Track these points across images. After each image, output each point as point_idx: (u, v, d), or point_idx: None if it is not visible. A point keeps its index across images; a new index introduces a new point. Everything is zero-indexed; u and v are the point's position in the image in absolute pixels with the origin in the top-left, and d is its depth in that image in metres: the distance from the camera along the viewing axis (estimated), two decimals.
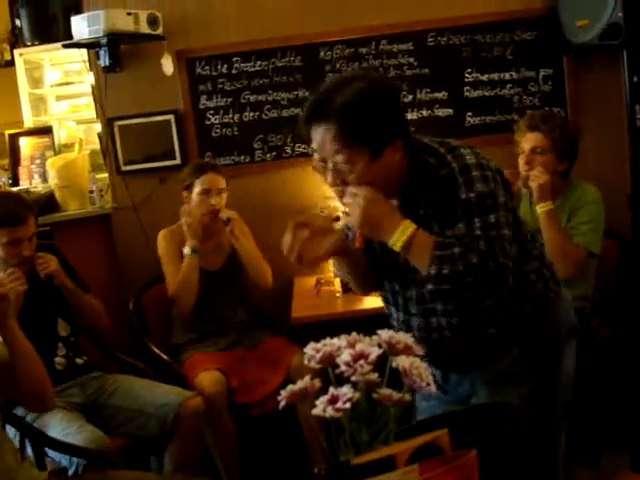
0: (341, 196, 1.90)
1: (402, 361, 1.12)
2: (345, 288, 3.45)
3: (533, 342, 2.03)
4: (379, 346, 1.15)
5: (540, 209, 3.09)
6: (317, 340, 1.19)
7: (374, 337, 1.16)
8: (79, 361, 3.11)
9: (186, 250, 3.38)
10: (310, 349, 1.16)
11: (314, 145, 1.88)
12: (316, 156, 1.91)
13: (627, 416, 3.31)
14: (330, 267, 3.74)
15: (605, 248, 3.23)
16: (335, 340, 1.14)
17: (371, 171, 1.85)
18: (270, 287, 3.58)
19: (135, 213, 3.99)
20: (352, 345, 1.11)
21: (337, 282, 3.59)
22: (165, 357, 3.36)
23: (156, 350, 3.38)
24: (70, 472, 2.57)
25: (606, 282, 3.39)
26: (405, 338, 1.15)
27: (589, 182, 3.27)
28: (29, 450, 2.58)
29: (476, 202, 1.82)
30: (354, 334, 1.16)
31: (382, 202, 1.85)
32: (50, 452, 2.64)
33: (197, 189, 3.44)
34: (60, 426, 2.70)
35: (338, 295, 3.52)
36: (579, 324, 2.24)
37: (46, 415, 2.71)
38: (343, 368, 1.10)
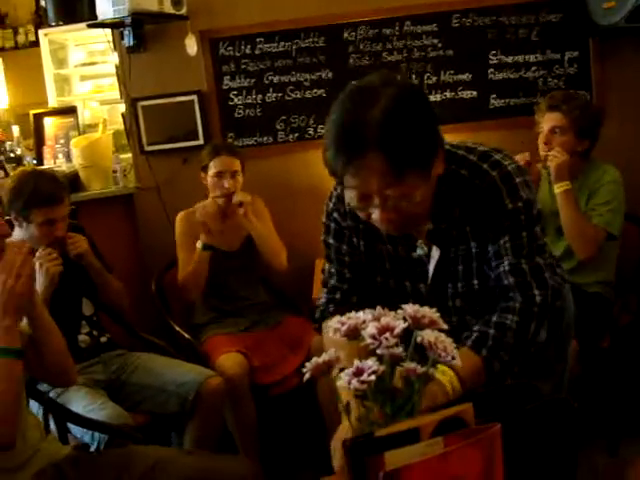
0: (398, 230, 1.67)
1: (427, 335, 1.12)
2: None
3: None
4: (404, 320, 1.15)
5: (558, 189, 3.08)
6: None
7: (399, 311, 1.16)
8: (102, 339, 3.13)
9: (198, 244, 3.39)
10: (335, 322, 1.16)
11: (350, 182, 1.52)
12: (350, 195, 1.56)
13: None
14: None
15: (627, 233, 3.22)
16: (360, 313, 1.14)
17: (427, 194, 1.60)
18: (284, 269, 3.57)
19: (158, 193, 4.00)
20: (377, 319, 1.11)
21: None
22: (187, 336, 3.38)
23: (178, 329, 3.41)
24: (92, 448, 2.59)
25: (628, 268, 3.37)
26: (430, 312, 1.15)
27: (610, 163, 3.24)
28: (52, 425, 2.61)
29: (524, 212, 1.68)
30: (379, 308, 1.16)
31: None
32: (73, 428, 2.67)
33: (211, 171, 3.45)
34: (83, 402, 2.73)
35: None
36: (601, 309, 2.20)
37: (69, 391, 2.75)
38: (368, 341, 1.10)
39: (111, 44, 3.99)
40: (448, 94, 3.95)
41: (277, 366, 3.29)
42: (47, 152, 4.46)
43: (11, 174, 3.55)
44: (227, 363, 3.15)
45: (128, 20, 3.60)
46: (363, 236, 1.84)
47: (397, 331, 1.09)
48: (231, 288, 3.52)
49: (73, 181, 3.98)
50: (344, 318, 1.14)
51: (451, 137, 3.96)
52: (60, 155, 4.41)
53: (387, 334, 1.08)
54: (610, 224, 3.10)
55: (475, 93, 3.96)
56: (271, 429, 3.42)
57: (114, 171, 4.03)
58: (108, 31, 3.93)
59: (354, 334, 1.13)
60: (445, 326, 1.17)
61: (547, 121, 3.16)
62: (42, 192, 2.85)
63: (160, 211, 3.96)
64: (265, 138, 4.00)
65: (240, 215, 3.45)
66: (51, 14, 4.63)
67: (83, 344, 3.06)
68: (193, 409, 2.94)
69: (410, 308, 1.15)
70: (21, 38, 6.08)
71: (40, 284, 2.82)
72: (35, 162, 4.37)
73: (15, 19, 6.34)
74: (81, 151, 4.02)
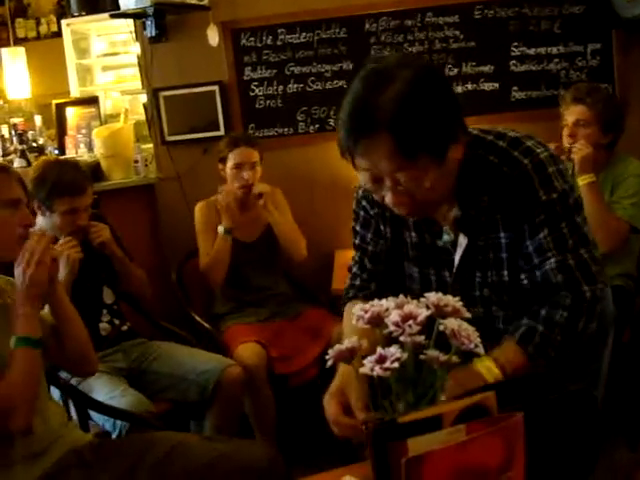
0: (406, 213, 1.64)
1: (450, 323, 1.12)
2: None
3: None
4: (427, 308, 1.15)
5: (582, 181, 3.06)
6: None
7: (422, 299, 1.16)
8: (123, 328, 3.15)
9: (220, 229, 3.41)
10: (359, 309, 1.16)
11: (362, 164, 1.52)
12: (363, 177, 1.56)
13: None
14: None
15: None
16: (383, 301, 1.14)
17: (442, 179, 1.56)
18: (303, 259, 3.58)
19: (179, 183, 4.02)
20: (400, 306, 1.11)
21: None
22: (207, 325, 3.39)
23: (198, 319, 3.42)
24: (114, 436, 2.61)
25: None
26: (453, 301, 1.15)
27: (634, 156, 3.22)
28: (73, 412, 2.63)
29: (560, 203, 1.61)
30: (402, 296, 1.16)
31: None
32: (94, 416, 2.69)
33: (230, 163, 3.45)
34: (104, 389, 2.75)
35: None
36: (622, 302, 2.14)
37: (90, 379, 2.76)
38: (392, 328, 1.10)
39: (133, 34, 4.01)
40: (469, 86, 3.94)
41: (296, 357, 3.30)
42: (69, 142, 4.50)
43: (34, 163, 3.58)
44: (245, 353, 3.16)
45: (150, 10, 3.62)
46: (390, 223, 1.82)
47: (420, 318, 1.09)
48: (250, 279, 3.53)
49: (95, 171, 4.00)
50: (367, 305, 1.14)
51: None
52: (82, 145, 4.45)
53: (410, 321, 1.08)
54: (634, 217, 3.08)
55: (497, 85, 3.94)
56: (290, 419, 3.43)
57: (135, 161, 4.05)
58: (130, 21, 3.95)
59: (377, 322, 1.13)
60: (468, 314, 1.17)
61: (572, 114, 3.15)
62: (65, 182, 2.86)
63: (181, 201, 3.98)
64: (286, 129, 4.01)
65: (260, 206, 3.46)
66: (73, 4, 4.66)
67: (104, 332, 3.08)
68: (213, 398, 2.95)
69: (433, 296, 1.15)
70: (43, 28, 6.12)
71: (61, 272, 2.85)
72: (57, 152, 4.40)
73: (37, 9, 6.38)
74: (103, 141, 4.04)
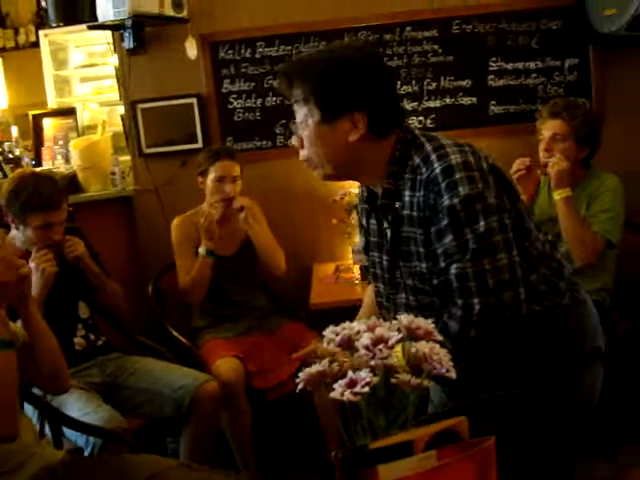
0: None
1: (422, 346, 1.11)
2: (364, 275, 3.46)
3: (542, 364, 1.80)
4: (399, 331, 1.14)
5: (557, 195, 3.08)
6: (336, 326, 1.17)
7: (394, 322, 1.15)
8: (99, 342, 3.12)
9: (201, 250, 3.37)
10: (329, 332, 1.15)
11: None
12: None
13: None
14: (349, 254, 3.74)
15: (627, 239, 3.21)
16: (355, 324, 1.14)
17: (320, 136, 1.76)
18: (282, 273, 3.57)
19: (156, 196, 4.00)
20: (372, 329, 1.10)
21: (356, 269, 3.59)
22: (184, 340, 3.37)
23: (175, 333, 3.40)
24: (86, 452, 2.58)
25: (627, 274, 3.36)
26: (425, 324, 1.14)
27: (610, 171, 3.24)
28: (47, 429, 2.60)
29: (462, 209, 1.65)
30: (373, 318, 1.15)
31: None
32: (67, 432, 2.66)
33: (212, 176, 3.43)
34: (77, 405, 2.72)
35: (357, 282, 3.52)
36: (600, 317, 2.11)
37: (64, 394, 2.73)
38: (362, 352, 1.09)
39: (111, 46, 3.99)
40: (448, 100, 3.95)
41: (274, 371, 3.28)
42: (46, 153, 4.46)
43: (9, 175, 3.54)
44: (223, 367, 3.15)
45: (129, 22, 3.59)
46: (366, 215, 1.97)
47: (391, 342, 1.08)
48: (229, 292, 3.50)
49: (71, 182, 3.97)
50: (338, 328, 1.13)
51: None
52: (59, 156, 4.41)
53: (381, 345, 1.07)
54: (609, 232, 3.10)
55: (475, 99, 3.95)
56: (268, 434, 3.41)
57: (112, 173, 4.02)
58: (108, 33, 3.92)
59: (348, 345, 1.12)
60: (440, 337, 1.17)
61: (548, 128, 3.16)
62: (40, 196, 2.82)
63: (158, 214, 3.95)
64: (264, 142, 3.99)
65: (240, 220, 3.44)
66: (52, 15, 4.62)
67: (79, 347, 3.05)
68: (189, 414, 2.93)
69: (405, 319, 1.14)
70: (22, 38, 6.05)
71: (35, 285, 2.81)
72: (34, 163, 4.36)
73: (16, 19, 6.33)
74: (80, 153, 4.01)
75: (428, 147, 1.73)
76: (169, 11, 3.63)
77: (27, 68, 5.02)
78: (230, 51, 3.92)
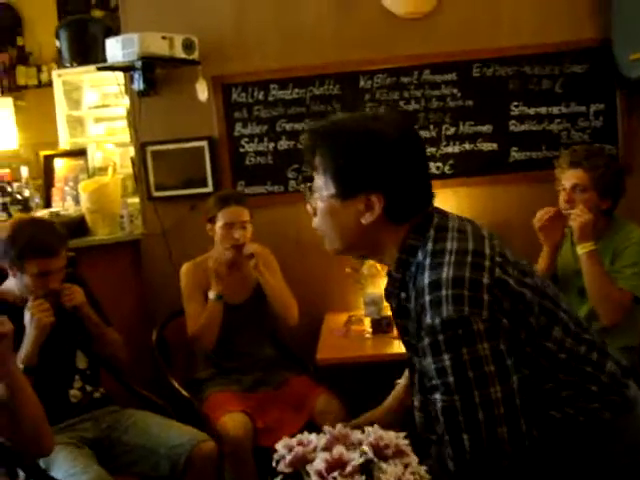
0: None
1: (391, 471, 0.91)
2: (376, 329, 3.30)
3: None
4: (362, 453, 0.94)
5: (581, 250, 2.91)
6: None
7: (362, 435, 0.96)
8: (96, 395, 3.00)
9: (211, 295, 3.26)
10: (282, 447, 0.98)
11: None
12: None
13: None
14: (361, 304, 3.59)
15: None
16: (313, 437, 0.95)
17: (332, 211, 1.63)
18: (296, 323, 3.43)
19: (164, 240, 3.90)
20: (330, 447, 0.92)
21: (367, 322, 3.43)
22: (186, 394, 3.24)
23: (176, 385, 3.27)
24: None
25: None
26: (397, 439, 0.95)
27: (635, 223, 3.07)
28: None
29: (442, 331, 1.44)
30: (339, 427, 0.96)
31: None
32: None
33: (220, 222, 3.32)
34: (65, 465, 2.60)
35: (368, 336, 3.36)
36: None
37: (53, 451, 2.60)
38: (313, 478, 0.90)
39: (122, 87, 3.92)
40: (467, 146, 3.82)
41: (279, 429, 3.11)
42: (56, 194, 4.39)
43: (7, 221, 3.47)
44: (230, 424, 3.00)
45: (138, 64, 3.53)
46: None
47: (349, 469, 0.90)
48: (236, 344, 3.37)
49: (79, 225, 3.89)
50: (293, 441, 0.96)
51: (469, 191, 3.81)
52: (69, 197, 4.34)
53: (336, 473, 0.89)
54: (636, 287, 2.93)
55: (495, 145, 3.81)
56: None
57: (121, 216, 3.93)
58: (120, 74, 3.85)
59: (301, 464, 0.94)
60: (415, 457, 0.97)
61: (568, 178, 3.01)
62: (37, 243, 2.75)
63: (166, 258, 3.86)
64: (276, 187, 3.89)
65: (251, 267, 3.31)
66: (66, 55, 4.60)
67: (74, 399, 2.93)
68: (184, 473, 2.78)
69: (373, 434, 0.96)
70: (44, 77, 6.07)
71: (30, 335, 2.73)
72: (43, 204, 4.29)
73: (39, 58, 6.36)
74: (89, 195, 3.93)
75: (429, 246, 1.57)
76: (180, 53, 3.57)
77: (41, 107, 5.00)
78: (242, 93, 3.84)
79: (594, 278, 2.90)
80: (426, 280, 1.50)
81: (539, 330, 1.55)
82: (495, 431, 1.43)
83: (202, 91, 3.70)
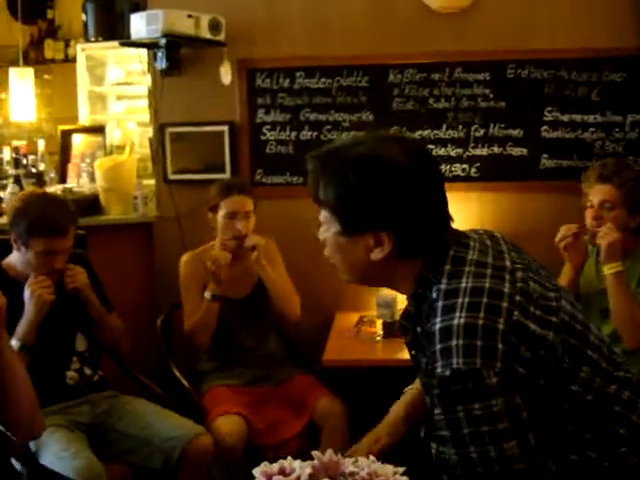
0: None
1: None
2: (387, 332, 3.19)
3: None
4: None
5: (608, 270, 2.76)
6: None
7: (355, 466, 0.85)
8: (94, 378, 2.93)
9: (207, 295, 3.15)
10: (260, 472, 0.86)
11: None
12: None
13: None
14: (373, 305, 3.48)
15: None
16: (297, 465, 0.84)
17: (339, 246, 1.51)
18: (297, 319, 3.32)
19: (178, 224, 3.81)
20: (316, 476, 0.81)
21: (379, 324, 3.33)
22: (186, 384, 3.16)
23: (178, 374, 3.19)
24: None
25: None
26: (394, 476, 0.84)
27: None
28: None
29: (452, 383, 1.33)
30: (329, 453, 0.85)
31: None
32: None
33: (222, 212, 3.20)
34: (55, 447, 2.54)
35: (378, 339, 3.25)
36: None
37: (45, 432, 2.52)
38: None
39: (145, 65, 3.82)
40: (496, 149, 3.68)
41: (277, 428, 3.04)
42: (71, 170, 4.31)
43: (19, 193, 3.39)
44: (224, 428, 2.90)
45: (162, 41, 3.43)
46: None
47: None
48: (238, 338, 3.27)
49: (92, 203, 3.81)
50: (274, 467, 0.84)
51: (494, 196, 3.66)
52: (84, 174, 4.25)
53: None
54: None
55: (525, 151, 3.68)
56: None
57: (135, 197, 3.84)
58: (143, 51, 3.75)
59: None
60: None
61: (597, 194, 2.86)
62: (47, 221, 2.66)
63: (178, 244, 3.74)
64: (295, 178, 3.78)
65: (252, 260, 3.21)
66: (91, 29, 4.52)
67: (71, 381, 2.86)
68: (178, 467, 2.69)
69: (367, 467, 0.84)
70: (72, 51, 6.01)
71: (28, 312, 2.67)
72: (58, 179, 4.21)
73: (68, 32, 6.29)
74: (104, 173, 3.85)
75: (443, 284, 1.43)
76: (205, 33, 3.46)
77: (66, 82, 4.93)
78: (267, 79, 3.73)
79: (620, 300, 2.76)
80: (437, 326, 1.38)
81: (563, 374, 1.42)
82: None
83: (226, 74, 3.59)
